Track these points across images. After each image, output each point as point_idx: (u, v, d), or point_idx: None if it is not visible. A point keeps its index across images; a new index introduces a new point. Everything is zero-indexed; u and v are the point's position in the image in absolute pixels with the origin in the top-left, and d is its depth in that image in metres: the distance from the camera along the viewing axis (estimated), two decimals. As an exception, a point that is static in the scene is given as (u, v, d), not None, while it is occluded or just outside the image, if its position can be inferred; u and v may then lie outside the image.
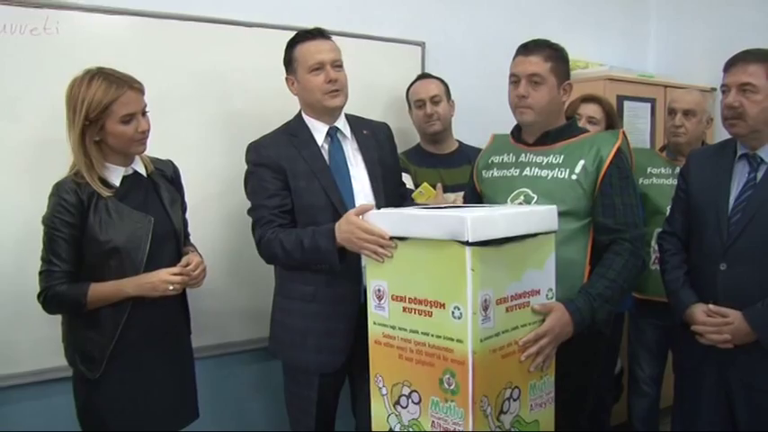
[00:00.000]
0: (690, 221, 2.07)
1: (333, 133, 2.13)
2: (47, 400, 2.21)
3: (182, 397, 2.03)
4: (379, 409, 1.70)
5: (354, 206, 1.98)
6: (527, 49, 1.94)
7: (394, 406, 1.65)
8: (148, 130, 1.90)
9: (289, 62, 2.13)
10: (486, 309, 1.47)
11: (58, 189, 1.83)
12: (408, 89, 2.81)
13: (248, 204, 2.12)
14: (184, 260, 1.92)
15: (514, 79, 1.95)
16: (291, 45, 2.12)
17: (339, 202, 2.03)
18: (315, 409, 2.12)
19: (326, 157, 2.10)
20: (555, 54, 1.93)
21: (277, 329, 2.19)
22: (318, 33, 2.11)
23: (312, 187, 2.04)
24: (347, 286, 2.04)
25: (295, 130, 2.13)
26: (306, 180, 2.04)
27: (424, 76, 2.80)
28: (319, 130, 2.12)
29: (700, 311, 1.93)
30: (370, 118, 2.34)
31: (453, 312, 1.46)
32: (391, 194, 2.18)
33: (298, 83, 2.11)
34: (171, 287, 1.84)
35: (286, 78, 2.16)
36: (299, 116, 2.17)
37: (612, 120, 2.75)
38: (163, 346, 1.95)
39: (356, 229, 1.74)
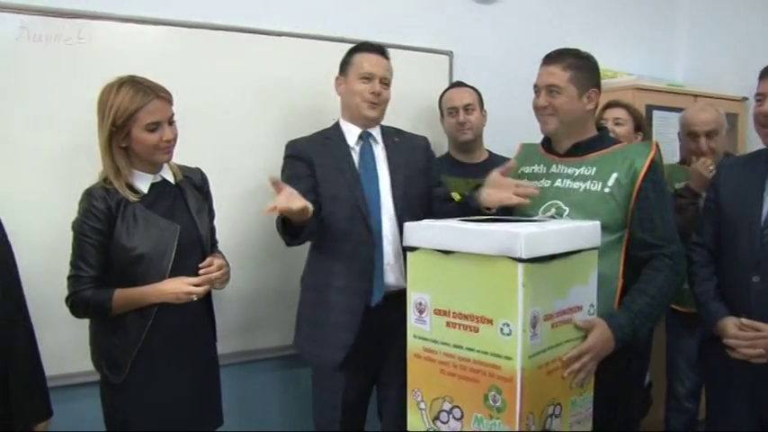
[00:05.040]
0: (720, 233, 2.04)
1: (365, 137, 2.25)
2: (73, 403, 2.22)
3: (205, 403, 2.03)
4: (416, 424, 1.67)
5: (379, 204, 2.17)
6: (548, 59, 1.94)
7: (433, 421, 1.62)
8: (174, 140, 1.92)
9: (344, 65, 2.28)
10: (534, 326, 1.45)
11: (88, 196, 1.86)
12: (441, 96, 2.81)
13: None
14: (207, 260, 1.94)
15: (536, 90, 1.96)
16: (353, 51, 2.28)
17: (360, 196, 2.15)
18: (340, 415, 2.18)
19: (356, 157, 2.22)
20: (577, 63, 1.92)
21: (297, 321, 2.30)
22: (381, 50, 2.27)
23: (337, 180, 2.16)
24: (357, 281, 2.13)
25: (329, 134, 2.27)
26: (332, 173, 2.17)
27: (458, 84, 2.80)
28: (353, 133, 2.24)
29: (731, 325, 1.90)
30: (400, 128, 2.41)
31: (502, 329, 1.44)
32: (417, 196, 2.24)
33: (345, 85, 2.25)
34: (194, 297, 1.87)
35: (336, 78, 2.30)
36: (336, 122, 2.30)
37: (640, 122, 2.74)
38: (187, 351, 1.96)
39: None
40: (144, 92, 1.83)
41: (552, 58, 1.93)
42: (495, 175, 1.96)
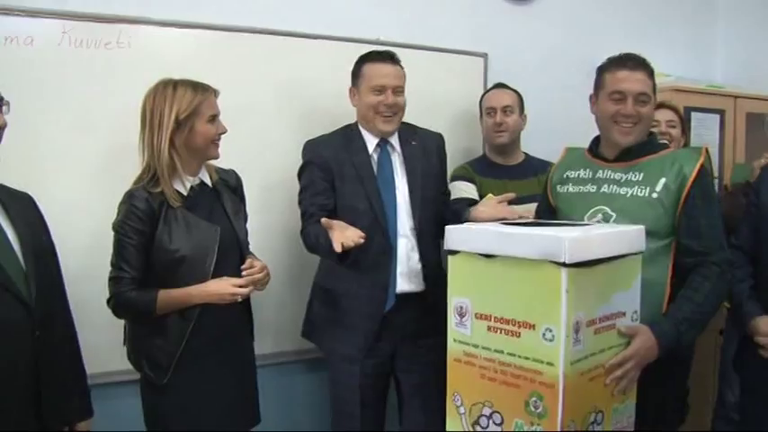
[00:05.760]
0: (760, 235, 2.00)
1: (383, 145, 2.28)
2: (113, 402, 2.24)
3: (244, 401, 2.06)
4: (455, 428, 1.66)
5: (395, 213, 2.22)
6: (630, 64, 1.86)
7: (473, 426, 1.61)
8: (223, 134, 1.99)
9: (355, 76, 2.28)
10: (577, 331, 1.43)
11: (130, 197, 1.89)
12: (482, 96, 2.79)
13: None
14: (248, 262, 1.96)
15: (619, 96, 1.85)
16: (362, 61, 2.27)
17: (380, 208, 2.19)
18: (359, 412, 2.24)
19: (375, 165, 2.25)
20: (651, 71, 1.89)
21: (311, 315, 2.38)
22: (389, 57, 2.25)
23: (357, 191, 2.20)
24: (375, 289, 2.20)
25: (351, 136, 2.29)
26: (352, 184, 2.21)
27: (499, 85, 2.76)
28: (371, 141, 2.27)
29: (764, 323, 1.88)
30: (425, 127, 2.44)
31: (545, 334, 1.42)
32: (433, 201, 2.30)
33: (359, 96, 2.27)
34: (239, 299, 1.89)
35: (349, 89, 2.31)
36: (356, 123, 2.32)
37: (684, 124, 2.73)
38: (227, 351, 1.99)
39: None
40: (201, 87, 1.92)
41: (635, 65, 1.86)
42: (492, 198, 2.15)
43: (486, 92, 2.78)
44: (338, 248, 1.90)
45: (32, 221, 1.73)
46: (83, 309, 2.11)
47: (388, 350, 2.27)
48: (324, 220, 1.99)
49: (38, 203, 1.80)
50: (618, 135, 1.89)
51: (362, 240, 1.93)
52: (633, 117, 1.85)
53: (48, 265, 1.73)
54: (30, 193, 1.80)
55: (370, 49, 2.31)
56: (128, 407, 2.11)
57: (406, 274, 2.22)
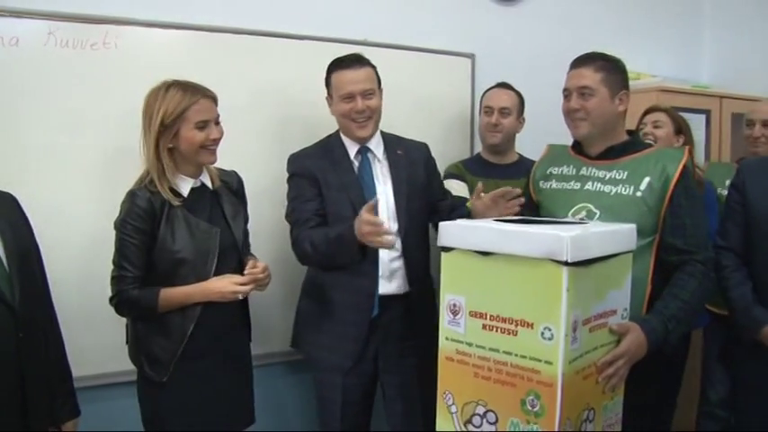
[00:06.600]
0: (750, 235, 2.00)
1: (363, 152, 2.27)
2: (105, 403, 2.25)
3: (241, 401, 2.06)
4: (446, 427, 1.64)
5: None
6: (578, 62, 1.93)
7: (465, 425, 1.59)
8: (219, 139, 1.95)
9: (327, 85, 2.26)
10: (575, 330, 1.42)
11: (132, 196, 1.88)
12: (483, 94, 2.78)
13: None
14: (251, 263, 1.95)
15: (566, 93, 1.93)
16: (330, 70, 2.24)
17: None
18: (339, 412, 2.23)
19: (356, 172, 2.24)
20: (607, 65, 1.90)
21: (299, 325, 2.37)
22: (354, 61, 2.20)
23: (341, 198, 2.18)
24: (361, 296, 2.18)
25: (332, 145, 2.28)
26: (336, 191, 2.20)
27: (501, 85, 2.75)
28: (352, 148, 2.26)
29: None
30: (410, 136, 2.43)
31: (543, 333, 1.41)
32: (419, 211, 2.28)
33: (333, 105, 2.25)
34: (240, 296, 1.90)
35: (326, 98, 2.28)
36: (337, 131, 2.31)
37: (681, 125, 2.73)
38: (226, 351, 1.99)
39: (359, 220, 1.91)
40: (192, 91, 1.88)
41: (582, 61, 1.91)
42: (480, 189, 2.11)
43: (488, 90, 2.76)
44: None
45: (15, 222, 1.71)
46: (77, 310, 2.10)
47: (373, 353, 2.26)
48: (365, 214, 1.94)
49: (23, 205, 1.77)
50: (571, 129, 1.95)
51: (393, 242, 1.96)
52: (579, 111, 1.89)
53: (31, 265, 1.71)
54: (15, 194, 1.77)
55: (339, 55, 2.26)
56: (123, 408, 2.10)
57: (388, 276, 2.22)
